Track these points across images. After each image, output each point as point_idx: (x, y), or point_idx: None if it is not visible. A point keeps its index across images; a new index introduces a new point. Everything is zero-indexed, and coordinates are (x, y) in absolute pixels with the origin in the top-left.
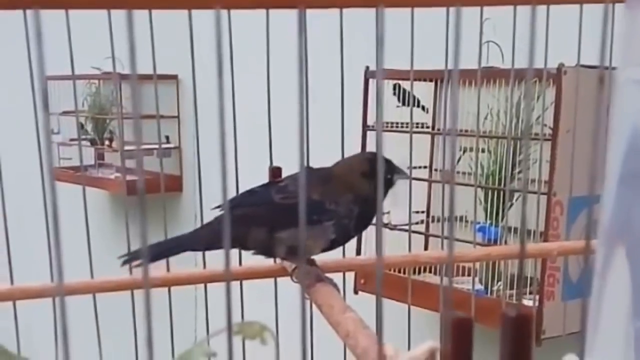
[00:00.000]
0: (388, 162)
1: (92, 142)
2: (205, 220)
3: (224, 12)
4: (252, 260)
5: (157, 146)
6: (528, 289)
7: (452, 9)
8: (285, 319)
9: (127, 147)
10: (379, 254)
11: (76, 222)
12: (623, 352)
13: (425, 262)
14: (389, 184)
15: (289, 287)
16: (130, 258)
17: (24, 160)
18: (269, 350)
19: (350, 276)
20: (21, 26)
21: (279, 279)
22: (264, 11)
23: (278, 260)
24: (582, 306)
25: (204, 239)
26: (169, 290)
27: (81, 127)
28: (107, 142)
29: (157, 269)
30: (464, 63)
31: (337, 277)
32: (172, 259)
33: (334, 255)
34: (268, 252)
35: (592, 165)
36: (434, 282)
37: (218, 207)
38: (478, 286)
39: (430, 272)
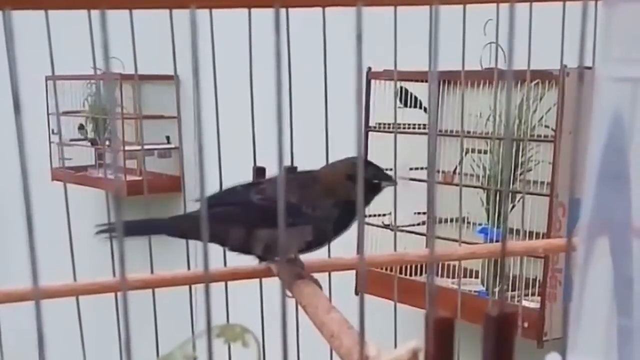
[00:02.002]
0: (375, 168)
1: (92, 143)
2: None
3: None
4: (236, 261)
5: (157, 147)
6: (530, 290)
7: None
8: (271, 320)
9: (128, 148)
10: (361, 255)
11: (76, 222)
12: (605, 348)
13: (411, 260)
14: (375, 190)
15: (275, 289)
16: (106, 229)
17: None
18: (254, 352)
19: (351, 277)
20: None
21: (264, 280)
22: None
23: (264, 263)
24: (564, 302)
25: (181, 227)
26: (153, 292)
27: (81, 127)
28: (107, 142)
29: (142, 271)
30: (467, 64)
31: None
32: (157, 261)
33: (321, 254)
34: (245, 250)
35: (572, 165)
36: (437, 284)
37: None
38: (480, 287)
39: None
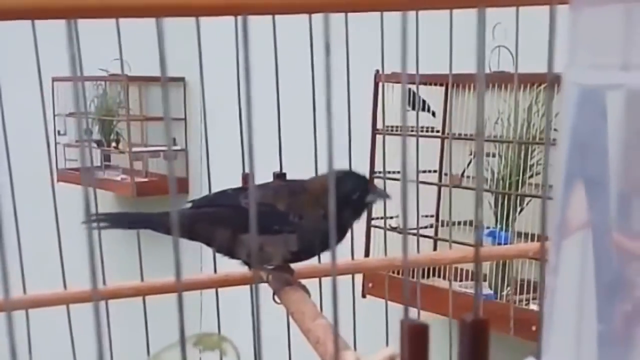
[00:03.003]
0: (359, 181)
1: (99, 144)
2: None
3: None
4: (228, 268)
5: (163, 148)
6: (532, 295)
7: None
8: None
9: (134, 149)
10: (333, 263)
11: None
12: (576, 350)
13: (400, 265)
14: (358, 205)
15: (266, 296)
16: (95, 219)
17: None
18: None
19: (359, 280)
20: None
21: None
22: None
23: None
24: (538, 304)
25: (167, 224)
26: (144, 299)
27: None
28: (113, 144)
29: (132, 279)
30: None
31: (344, 281)
32: (147, 269)
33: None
34: (230, 254)
35: (544, 168)
36: (443, 287)
37: (191, 201)
38: (488, 291)
39: (439, 276)
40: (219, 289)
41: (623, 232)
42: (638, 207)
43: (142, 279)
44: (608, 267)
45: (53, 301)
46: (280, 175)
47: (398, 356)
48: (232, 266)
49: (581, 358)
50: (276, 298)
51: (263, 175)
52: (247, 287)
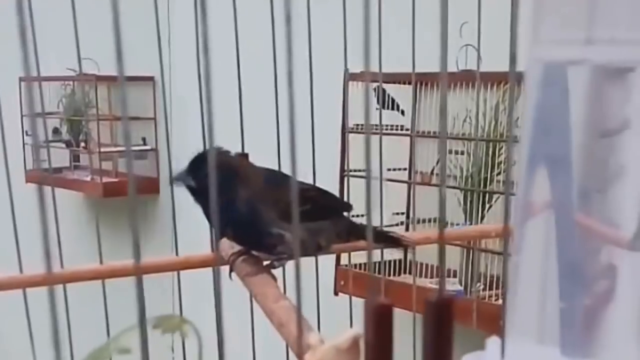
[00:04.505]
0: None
1: (67, 144)
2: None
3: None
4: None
5: (134, 148)
6: (501, 290)
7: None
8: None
9: (103, 149)
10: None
11: (52, 224)
12: (538, 329)
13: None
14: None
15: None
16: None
17: None
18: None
19: (330, 278)
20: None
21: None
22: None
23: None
24: (502, 284)
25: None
26: (103, 283)
27: (55, 130)
28: (82, 144)
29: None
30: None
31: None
32: (112, 255)
33: None
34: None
35: (509, 165)
36: (409, 283)
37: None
38: (458, 287)
39: (409, 273)
40: (181, 272)
41: (585, 212)
42: (599, 188)
43: (101, 262)
44: (570, 246)
45: (10, 285)
46: (242, 156)
47: (362, 337)
48: (193, 249)
49: (544, 336)
50: (233, 275)
51: None
52: (209, 270)
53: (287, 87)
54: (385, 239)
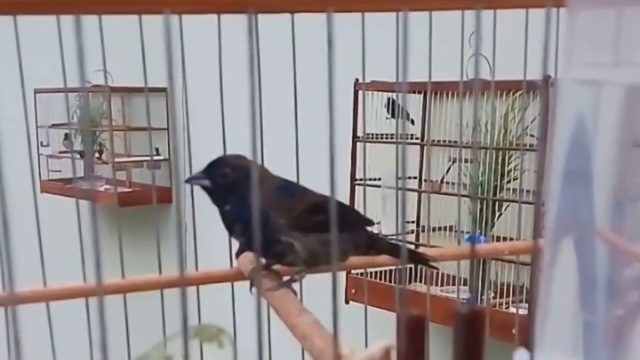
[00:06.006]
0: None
1: (81, 155)
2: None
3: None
4: (209, 265)
5: (147, 158)
6: (518, 297)
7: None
8: (242, 323)
9: (117, 160)
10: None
11: (67, 234)
12: (571, 344)
13: (382, 263)
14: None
15: (247, 292)
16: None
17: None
18: (227, 353)
19: (341, 287)
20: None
21: (235, 284)
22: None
23: (235, 264)
24: (530, 299)
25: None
26: (125, 298)
27: (66, 137)
28: (96, 155)
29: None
30: (452, 75)
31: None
32: (128, 266)
33: None
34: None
35: (539, 168)
36: (419, 290)
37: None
38: (468, 295)
39: (420, 282)
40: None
41: (617, 223)
42: (631, 207)
43: (122, 275)
44: (590, 259)
45: (35, 298)
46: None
47: (393, 348)
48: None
49: (575, 350)
50: (253, 290)
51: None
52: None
53: (298, 102)
54: (412, 255)
